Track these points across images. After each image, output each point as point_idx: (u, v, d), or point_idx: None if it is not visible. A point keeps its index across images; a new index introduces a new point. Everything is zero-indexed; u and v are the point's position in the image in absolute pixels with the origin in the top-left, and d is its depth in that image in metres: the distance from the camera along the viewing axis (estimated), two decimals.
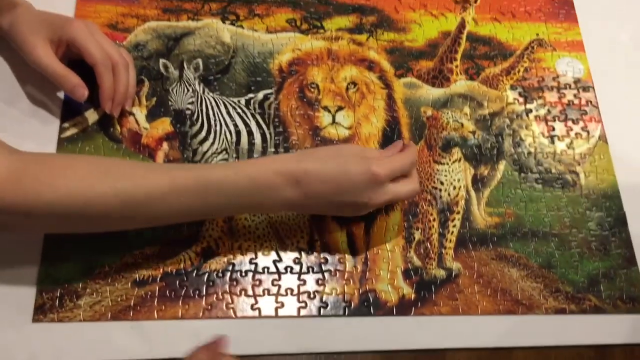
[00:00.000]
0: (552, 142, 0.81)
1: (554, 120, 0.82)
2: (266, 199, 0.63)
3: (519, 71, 0.84)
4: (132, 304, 0.66)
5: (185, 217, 0.66)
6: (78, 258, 0.67)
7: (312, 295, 0.69)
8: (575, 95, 0.84)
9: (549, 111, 0.82)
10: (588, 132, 0.82)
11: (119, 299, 0.66)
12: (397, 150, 0.69)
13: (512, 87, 0.83)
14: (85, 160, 0.63)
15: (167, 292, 0.67)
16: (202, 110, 0.77)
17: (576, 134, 0.81)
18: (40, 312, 0.64)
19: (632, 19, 0.90)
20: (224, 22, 0.83)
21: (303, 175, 0.62)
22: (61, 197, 0.58)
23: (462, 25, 0.87)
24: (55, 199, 0.58)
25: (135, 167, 0.63)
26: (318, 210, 0.68)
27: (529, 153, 0.79)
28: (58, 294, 0.65)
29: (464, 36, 0.86)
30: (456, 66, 0.84)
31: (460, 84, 0.83)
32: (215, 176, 0.61)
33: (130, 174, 0.60)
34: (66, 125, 0.74)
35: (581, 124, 0.82)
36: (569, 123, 0.82)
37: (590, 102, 0.84)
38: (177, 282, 0.68)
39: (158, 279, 0.67)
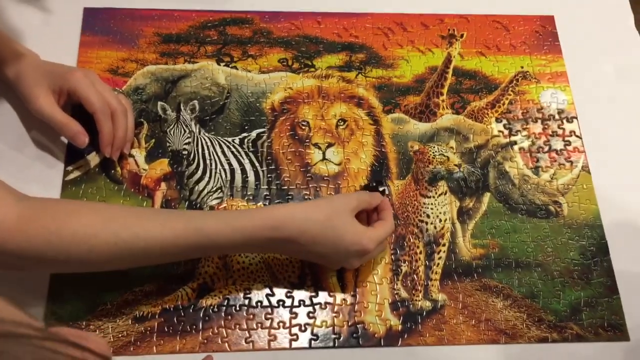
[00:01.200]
0: (536, 173, 0.83)
1: (538, 152, 0.85)
2: (258, 249, 0.71)
3: (503, 104, 0.87)
4: (132, 339, 0.70)
5: (179, 259, 0.71)
6: (82, 296, 0.71)
7: (303, 328, 0.72)
8: (559, 126, 0.87)
9: (533, 142, 0.85)
10: (571, 162, 0.84)
11: (120, 335, 0.70)
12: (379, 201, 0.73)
13: (497, 120, 0.86)
14: (90, 208, 0.68)
15: (166, 327, 0.71)
16: (198, 150, 0.81)
17: (559, 164, 0.84)
18: None
19: (615, 51, 0.93)
20: (219, 64, 0.87)
21: (298, 236, 0.66)
22: (67, 245, 0.62)
23: (448, 60, 0.90)
24: (61, 246, 0.62)
25: (136, 215, 0.67)
26: (304, 258, 0.73)
27: (513, 184, 0.82)
28: None
29: (450, 71, 0.89)
30: (442, 100, 0.87)
31: (446, 118, 0.86)
32: (212, 231, 0.65)
33: (132, 224, 0.64)
34: (70, 168, 0.78)
35: (565, 154, 0.85)
36: (553, 154, 0.85)
37: (574, 132, 0.86)
38: (175, 317, 0.71)
39: (157, 315, 0.71)
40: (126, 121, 0.77)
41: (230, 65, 0.87)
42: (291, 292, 0.74)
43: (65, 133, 0.75)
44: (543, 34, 0.93)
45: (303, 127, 0.83)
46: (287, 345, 0.71)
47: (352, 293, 0.74)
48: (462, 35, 0.92)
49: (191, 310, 0.72)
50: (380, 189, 0.77)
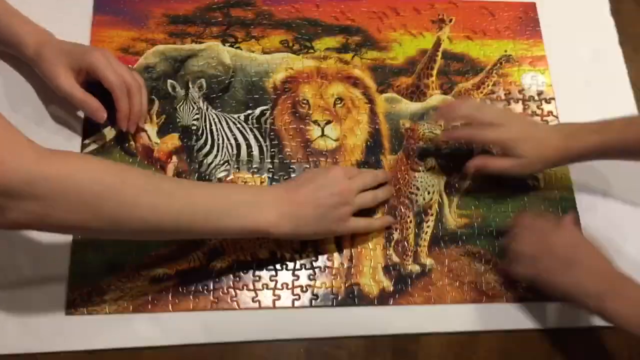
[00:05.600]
0: None
1: None
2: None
3: (488, 85, 0.95)
4: (150, 298, 0.77)
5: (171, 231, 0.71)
6: (103, 259, 0.78)
7: (304, 289, 0.80)
8: (538, 107, 0.94)
9: None
10: None
11: (138, 295, 0.77)
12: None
13: (482, 100, 0.94)
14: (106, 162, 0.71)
15: (180, 288, 0.78)
16: (206, 126, 0.87)
17: None
18: (72, 306, 0.75)
19: (592, 36, 1.00)
20: (224, 45, 0.93)
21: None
22: (91, 179, 0.63)
23: (438, 43, 0.96)
24: (84, 179, 0.62)
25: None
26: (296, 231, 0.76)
27: None
28: (87, 291, 0.76)
29: (440, 54, 0.96)
30: (432, 82, 0.94)
31: (435, 98, 0.93)
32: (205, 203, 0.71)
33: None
34: (87, 141, 0.84)
35: None
36: None
37: (551, 112, 0.94)
38: (188, 279, 0.78)
39: (172, 277, 0.78)
40: (141, 96, 0.83)
41: (234, 46, 0.93)
42: (293, 257, 0.81)
43: (85, 109, 0.81)
44: (525, 20, 1.00)
45: (303, 105, 0.90)
46: (290, 305, 0.79)
47: (348, 257, 0.82)
48: (451, 20, 0.98)
49: (203, 273, 0.79)
50: None
